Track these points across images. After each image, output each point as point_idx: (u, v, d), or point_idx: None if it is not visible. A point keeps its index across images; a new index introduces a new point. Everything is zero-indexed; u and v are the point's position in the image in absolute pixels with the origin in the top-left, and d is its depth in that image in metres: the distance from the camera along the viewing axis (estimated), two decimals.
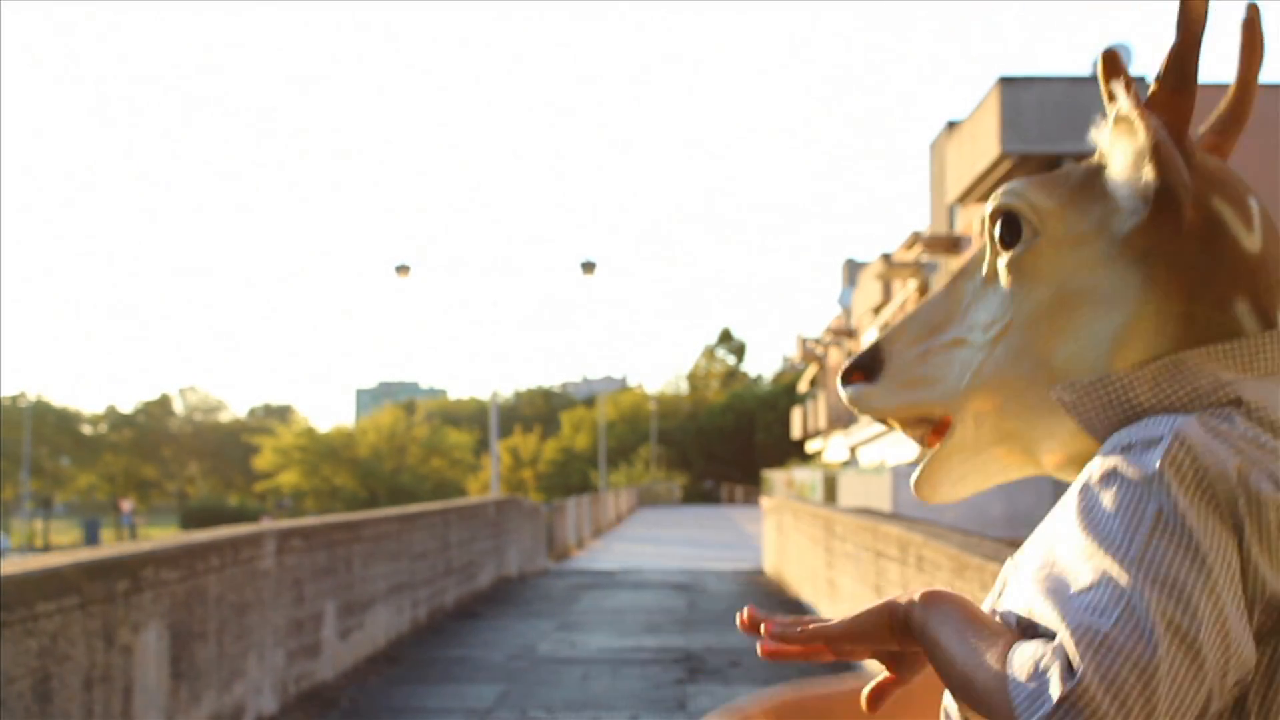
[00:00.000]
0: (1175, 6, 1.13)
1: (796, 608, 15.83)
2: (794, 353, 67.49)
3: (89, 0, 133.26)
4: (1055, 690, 0.90)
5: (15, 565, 5.95)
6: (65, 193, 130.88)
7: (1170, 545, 0.94)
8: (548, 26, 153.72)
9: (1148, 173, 1.12)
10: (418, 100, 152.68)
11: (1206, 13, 1.13)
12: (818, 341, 53.92)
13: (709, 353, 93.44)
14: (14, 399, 78.87)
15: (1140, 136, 1.12)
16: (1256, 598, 0.96)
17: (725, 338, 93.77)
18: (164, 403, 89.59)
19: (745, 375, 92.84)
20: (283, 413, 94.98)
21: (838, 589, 13.11)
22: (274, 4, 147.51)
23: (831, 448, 43.12)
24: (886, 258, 34.19)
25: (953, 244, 28.50)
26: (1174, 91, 1.14)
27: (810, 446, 51.69)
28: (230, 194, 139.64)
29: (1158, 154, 1.12)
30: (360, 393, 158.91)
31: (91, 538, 52.30)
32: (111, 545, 7.99)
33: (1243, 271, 1.13)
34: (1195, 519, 0.95)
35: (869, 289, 39.99)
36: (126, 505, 65.62)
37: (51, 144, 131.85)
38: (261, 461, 69.68)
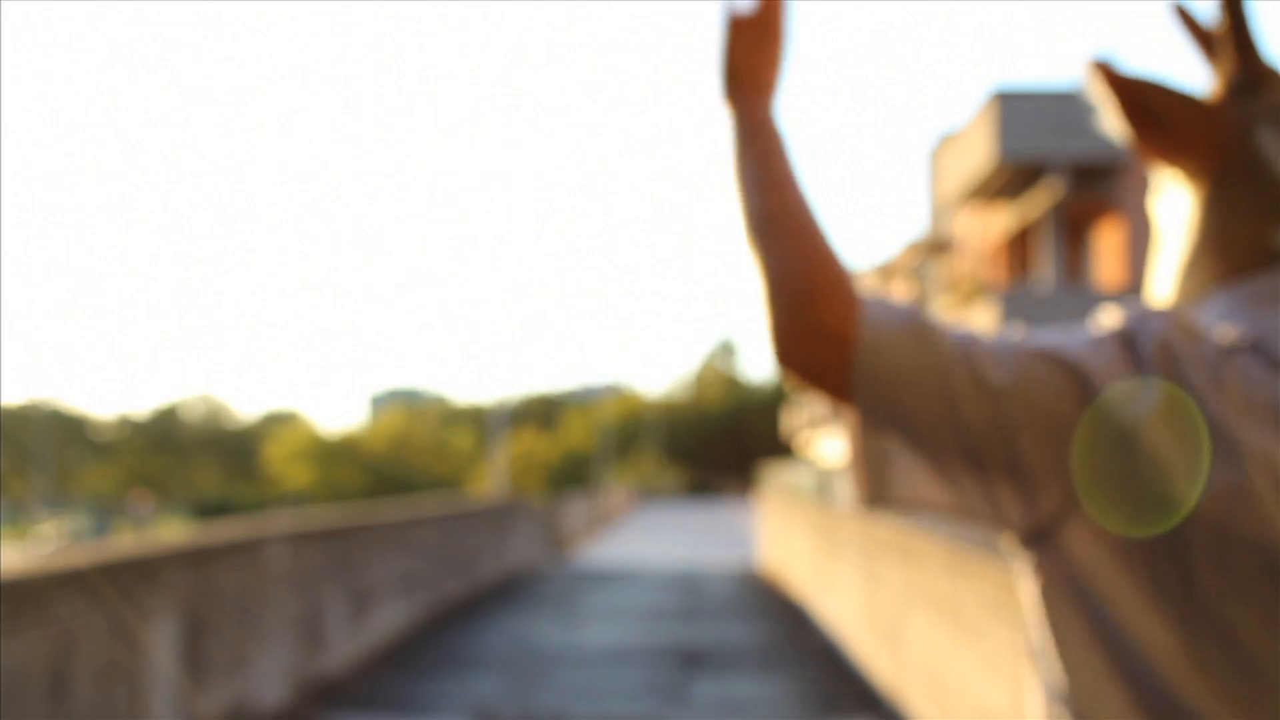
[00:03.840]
0: (1169, 13, 1.21)
1: (793, 600, 16.02)
2: None
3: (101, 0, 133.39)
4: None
5: (34, 562, 6.10)
6: (76, 198, 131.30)
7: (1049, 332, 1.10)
8: (543, 27, 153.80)
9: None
10: (420, 101, 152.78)
11: None
12: None
13: (709, 357, 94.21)
14: (28, 405, 79.12)
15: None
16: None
17: (725, 341, 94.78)
18: (175, 409, 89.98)
19: (744, 377, 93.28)
20: (292, 418, 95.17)
21: (832, 580, 13.32)
22: (275, 3, 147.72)
23: (828, 447, 43.30)
24: (884, 264, 34.37)
25: (949, 252, 28.72)
26: (1228, 33, 1.18)
27: (805, 446, 51.89)
28: (239, 200, 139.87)
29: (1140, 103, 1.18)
30: (370, 397, 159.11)
31: (104, 540, 52.44)
32: (126, 543, 8.17)
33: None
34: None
35: None
36: (139, 505, 65.75)
37: (67, 150, 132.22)
38: (271, 466, 69.82)
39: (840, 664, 11.21)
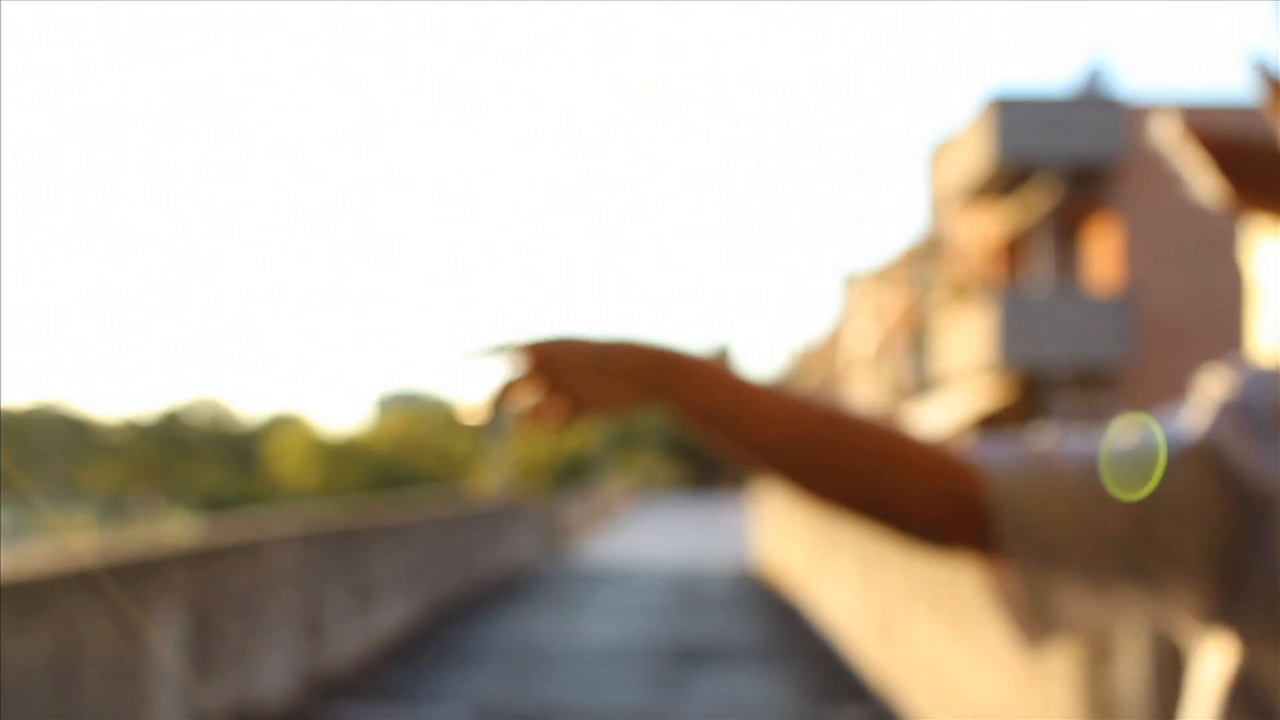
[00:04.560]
0: (1249, 71, 1.19)
1: (790, 596, 16.12)
2: (789, 359, 68.02)
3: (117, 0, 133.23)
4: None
5: (42, 561, 6.19)
6: (80, 199, 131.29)
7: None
8: (544, 28, 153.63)
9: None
10: (424, 102, 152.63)
11: None
12: (813, 348, 54.27)
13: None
14: (34, 408, 79.21)
15: None
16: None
17: (722, 346, 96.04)
18: (180, 411, 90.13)
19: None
20: (295, 420, 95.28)
21: (829, 576, 13.43)
22: (278, 2, 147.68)
23: None
24: (882, 269, 34.52)
25: (947, 254, 28.84)
26: None
27: None
28: (243, 203, 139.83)
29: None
30: (375, 398, 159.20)
31: (108, 536, 52.50)
32: (132, 542, 8.28)
33: None
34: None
35: (864, 300, 40.28)
36: (147, 499, 65.81)
37: (80, 156, 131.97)
38: (275, 467, 69.89)
39: (837, 659, 11.31)
